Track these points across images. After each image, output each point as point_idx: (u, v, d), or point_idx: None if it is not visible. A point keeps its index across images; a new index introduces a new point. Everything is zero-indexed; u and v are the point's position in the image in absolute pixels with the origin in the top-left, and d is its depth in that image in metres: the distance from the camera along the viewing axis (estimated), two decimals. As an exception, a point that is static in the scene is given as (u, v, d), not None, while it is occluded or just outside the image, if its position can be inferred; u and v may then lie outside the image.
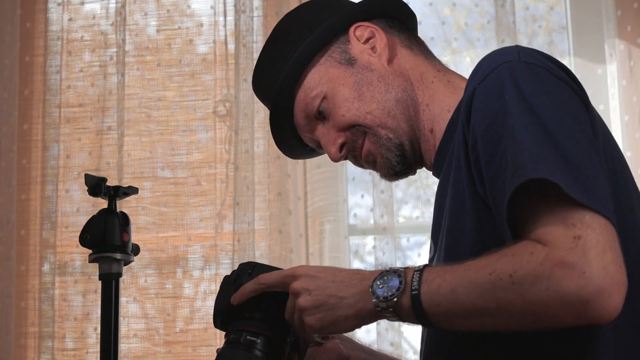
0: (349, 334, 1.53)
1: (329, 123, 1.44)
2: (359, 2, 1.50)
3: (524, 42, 2.90)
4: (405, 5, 1.53)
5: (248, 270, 1.33)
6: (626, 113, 2.79)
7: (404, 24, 1.52)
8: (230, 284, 1.34)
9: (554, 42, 2.94)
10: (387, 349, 2.67)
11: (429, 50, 1.52)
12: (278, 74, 1.46)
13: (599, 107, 2.84)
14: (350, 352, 1.48)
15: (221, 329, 1.34)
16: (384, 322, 2.69)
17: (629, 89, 2.79)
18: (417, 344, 2.79)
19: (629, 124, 2.78)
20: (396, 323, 2.69)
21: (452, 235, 1.26)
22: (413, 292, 1.14)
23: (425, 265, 1.17)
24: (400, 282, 1.15)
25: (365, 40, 1.46)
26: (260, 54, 1.52)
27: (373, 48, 1.45)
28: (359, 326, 1.21)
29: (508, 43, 2.77)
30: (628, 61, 2.80)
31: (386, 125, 1.40)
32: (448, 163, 1.33)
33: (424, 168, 1.49)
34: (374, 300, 1.16)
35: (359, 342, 1.53)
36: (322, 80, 1.44)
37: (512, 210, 1.13)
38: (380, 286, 1.16)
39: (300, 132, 1.49)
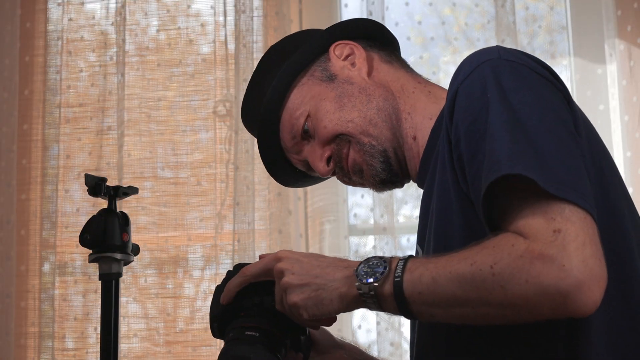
0: (355, 343, 1.54)
1: (315, 141, 1.45)
2: (338, 23, 1.53)
3: (524, 42, 2.90)
4: (385, 29, 1.55)
5: (237, 270, 1.33)
6: (626, 113, 2.79)
7: (385, 45, 1.54)
8: (220, 289, 1.35)
9: (554, 42, 2.94)
10: (387, 349, 2.67)
11: (410, 67, 1.53)
12: (263, 99, 1.47)
13: (599, 107, 2.85)
14: None
15: (219, 335, 1.34)
16: (384, 322, 2.69)
17: (629, 89, 2.79)
18: (417, 344, 2.79)
19: (629, 124, 2.78)
20: (396, 323, 2.69)
21: (440, 235, 1.27)
22: (396, 279, 1.15)
23: (410, 256, 1.18)
24: (385, 268, 1.16)
25: (345, 57, 1.48)
26: (246, 89, 1.54)
27: (353, 63, 1.47)
28: (343, 311, 1.22)
29: (508, 43, 2.77)
30: (628, 61, 2.80)
31: (368, 133, 1.41)
32: (433, 168, 1.34)
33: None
34: (357, 283, 1.17)
35: (366, 352, 1.54)
36: (305, 99, 1.45)
37: (492, 207, 1.14)
38: (364, 270, 1.18)
39: (289, 154, 1.50)
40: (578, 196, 1.08)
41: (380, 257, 1.18)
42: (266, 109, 1.46)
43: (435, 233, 1.28)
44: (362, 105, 1.42)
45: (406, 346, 2.77)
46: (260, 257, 1.32)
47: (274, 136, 1.48)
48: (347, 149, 1.43)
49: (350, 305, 1.20)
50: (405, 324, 2.71)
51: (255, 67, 1.55)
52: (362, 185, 1.48)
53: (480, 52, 1.27)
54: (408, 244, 2.85)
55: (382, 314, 2.67)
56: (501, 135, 1.14)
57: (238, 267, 1.34)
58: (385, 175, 1.42)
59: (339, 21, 1.54)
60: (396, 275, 1.15)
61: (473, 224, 1.20)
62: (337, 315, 1.26)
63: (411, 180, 1.49)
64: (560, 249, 1.04)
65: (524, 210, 1.09)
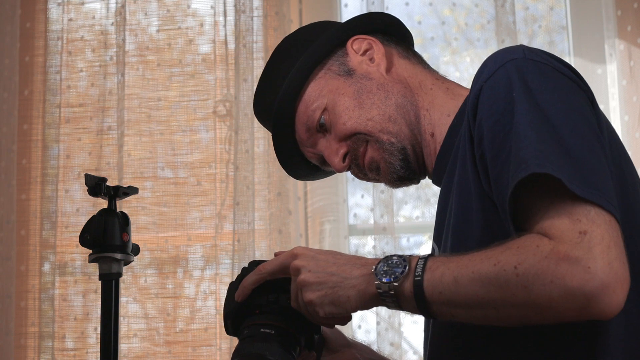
0: (367, 343, 1.54)
1: (331, 135, 1.44)
2: (356, 17, 1.52)
3: (523, 42, 2.90)
4: (402, 24, 1.55)
5: (252, 268, 1.33)
6: (626, 113, 2.79)
7: (401, 40, 1.53)
8: (235, 286, 1.34)
9: (554, 42, 2.94)
10: (387, 349, 2.67)
11: (427, 63, 1.52)
12: (278, 90, 1.46)
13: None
14: None
15: (233, 333, 1.33)
16: (383, 322, 2.70)
17: (629, 89, 2.79)
18: (417, 344, 2.79)
19: (629, 124, 2.79)
20: (396, 323, 2.69)
21: (458, 234, 1.26)
22: (416, 278, 1.14)
23: (430, 254, 1.17)
24: (405, 267, 1.15)
25: (363, 52, 1.47)
26: (260, 78, 1.53)
27: (371, 59, 1.46)
28: (360, 309, 1.21)
29: (508, 43, 2.77)
30: (628, 61, 2.80)
31: (388, 130, 1.40)
32: (451, 166, 1.33)
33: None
34: (377, 282, 1.16)
35: (376, 351, 1.53)
36: (322, 92, 1.44)
37: (516, 205, 1.14)
38: (384, 269, 1.17)
39: (303, 147, 1.49)
40: (603, 198, 1.08)
41: (400, 256, 1.18)
42: (282, 100, 1.45)
43: (454, 231, 1.27)
44: (380, 103, 1.42)
45: (406, 346, 2.77)
46: (276, 254, 1.31)
47: (289, 128, 1.47)
48: (364, 148, 1.42)
49: (368, 303, 1.19)
50: (405, 324, 2.71)
51: (266, 60, 1.54)
52: (378, 181, 1.47)
53: (505, 50, 1.26)
54: (408, 244, 2.85)
55: (381, 314, 2.68)
56: (527, 135, 1.14)
57: (253, 264, 1.33)
58: (404, 173, 1.42)
59: (349, 17, 1.52)
60: (416, 274, 1.14)
61: (492, 223, 1.20)
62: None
63: (427, 177, 1.48)
64: (586, 251, 1.04)
65: (549, 211, 1.09)
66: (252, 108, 1.56)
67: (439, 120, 1.41)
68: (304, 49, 1.46)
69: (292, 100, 1.45)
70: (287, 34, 2.95)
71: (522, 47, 1.26)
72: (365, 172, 1.45)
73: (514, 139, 1.14)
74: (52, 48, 3.00)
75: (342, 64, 1.46)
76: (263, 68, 1.54)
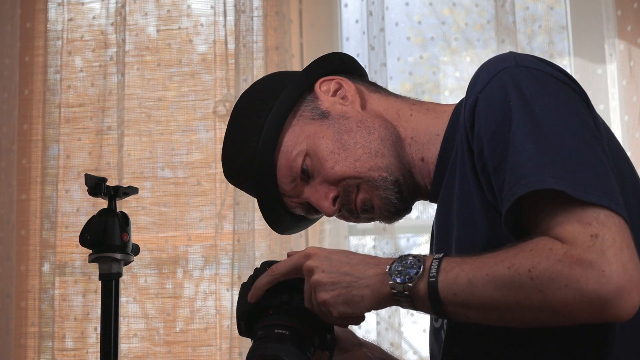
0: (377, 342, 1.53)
1: (316, 180, 1.40)
2: (315, 61, 1.47)
3: (523, 42, 2.90)
4: (357, 61, 1.52)
5: (265, 268, 1.33)
6: (626, 113, 2.79)
7: (362, 77, 1.51)
8: (247, 287, 1.33)
9: (553, 42, 2.94)
10: (387, 349, 2.67)
11: (396, 93, 1.50)
12: (253, 148, 1.40)
13: (599, 107, 2.85)
14: None
15: (246, 334, 1.32)
16: (383, 322, 2.70)
17: (629, 89, 2.79)
18: (417, 344, 2.79)
19: (629, 124, 2.79)
20: (396, 323, 2.69)
21: (464, 247, 1.25)
22: (431, 279, 1.14)
23: (444, 254, 1.17)
24: (419, 268, 1.15)
25: (334, 93, 1.43)
26: (225, 139, 1.47)
27: (344, 97, 1.43)
28: (374, 309, 1.21)
29: (508, 43, 2.77)
30: (628, 61, 2.80)
31: (377, 166, 1.37)
32: (448, 179, 1.32)
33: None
34: (391, 282, 1.16)
35: (387, 351, 1.53)
36: (299, 139, 1.39)
37: (520, 216, 1.14)
38: (398, 269, 1.17)
39: (287, 199, 1.43)
40: (611, 200, 1.08)
41: (415, 256, 1.17)
42: (261, 159, 1.39)
43: (457, 243, 1.27)
44: (363, 140, 1.38)
45: (406, 346, 2.77)
46: (289, 254, 1.30)
47: (272, 184, 1.42)
48: (355, 194, 1.38)
49: (382, 303, 1.20)
50: (405, 324, 2.71)
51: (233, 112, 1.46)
52: (370, 220, 1.44)
53: (496, 59, 1.26)
54: (408, 244, 2.85)
55: (381, 314, 2.68)
56: (526, 148, 1.13)
57: (266, 265, 1.33)
58: (400, 205, 1.39)
59: (319, 55, 1.48)
60: (431, 275, 1.14)
61: (499, 233, 1.19)
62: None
63: (419, 201, 1.46)
64: (600, 254, 1.04)
65: (558, 217, 1.09)
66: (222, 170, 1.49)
67: (427, 142, 1.39)
68: (271, 102, 1.41)
69: (271, 155, 1.40)
70: (287, 34, 2.96)
71: (512, 54, 1.25)
72: (357, 215, 1.41)
73: (512, 152, 1.14)
74: (52, 48, 3.00)
75: (314, 108, 1.42)
76: (225, 131, 1.47)
